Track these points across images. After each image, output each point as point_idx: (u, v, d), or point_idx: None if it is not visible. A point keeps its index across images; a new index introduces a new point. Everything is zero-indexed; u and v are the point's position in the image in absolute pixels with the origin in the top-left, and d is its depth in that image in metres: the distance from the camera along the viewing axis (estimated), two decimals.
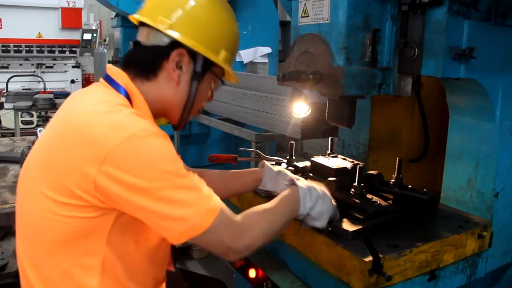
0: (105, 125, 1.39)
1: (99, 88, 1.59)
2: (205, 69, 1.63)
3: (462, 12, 1.59)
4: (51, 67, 9.34)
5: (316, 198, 1.68)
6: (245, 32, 5.76)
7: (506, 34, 1.79)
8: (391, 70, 1.73)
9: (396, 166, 1.97)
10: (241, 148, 2.04)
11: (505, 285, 2.05)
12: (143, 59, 1.60)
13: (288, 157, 2.22)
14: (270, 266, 1.96)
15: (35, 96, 6.69)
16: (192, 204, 1.40)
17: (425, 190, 1.91)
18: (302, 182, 1.76)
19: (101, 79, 1.61)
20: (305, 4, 1.79)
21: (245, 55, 5.69)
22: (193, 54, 1.59)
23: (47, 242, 1.44)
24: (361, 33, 1.65)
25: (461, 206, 2.03)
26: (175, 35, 1.55)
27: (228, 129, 4.10)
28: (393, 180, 1.98)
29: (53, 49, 9.10)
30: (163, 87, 1.61)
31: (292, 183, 1.76)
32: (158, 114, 1.67)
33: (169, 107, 1.66)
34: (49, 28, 9.00)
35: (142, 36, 1.62)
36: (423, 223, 1.87)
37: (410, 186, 1.95)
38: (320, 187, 1.75)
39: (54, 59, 9.34)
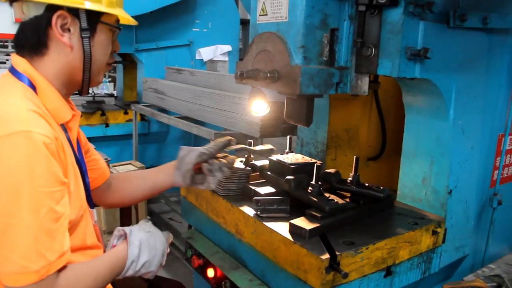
0: None
1: (1, 80, 1.53)
2: (93, 22, 1.56)
3: (417, 13, 1.63)
4: (4, 62, 9.05)
5: (142, 263, 1.62)
6: (205, 30, 5.74)
7: (460, 36, 1.84)
8: (349, 69, 1.75)
9: (353, 164, 2.00)
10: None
11: (458, 279, 2.11)
12: (27, 36, 1.53)
13: (246, 156, 2.22)
14: (228, 265, 1.96)
15: None
16: (17, 252, 1.30)
17: (381, 188, 1.95)
18: (134, 236, 1.65)
19: (7, 70, 1.55)
20: (263, 2, 1.79)
21: (205, 53, 5.67)
22: (74, 11, 1.52)
23: None
24: (319, 32, 1.67)
25: (417, 203, 2.08)
26: None
27: (187, 127, 4.07)
28: (350, 178, 2.01)
29: (5, 44, 8.83)
30: (60, 57, 1.54)
31: (124, 237, 1.68)
32: (68, 86, 1.61)
33: (73, 74, 1.59)
34: (1, 22, 8.74)
35: (18, 13, 1.54)
36: (380, 220, 1.91)
37: (367, 184, 1.99)
38: (152, 236, 1.68)
39: (7, 54, 9.06)
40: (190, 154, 1.90)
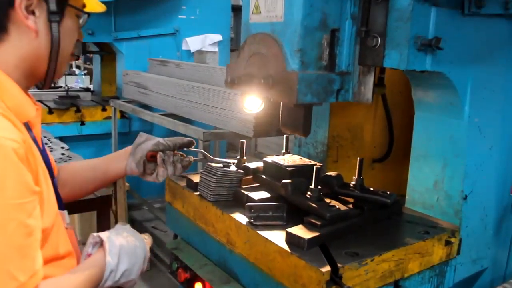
0: None
1: None
2: (62, 5, 1.53)
3: None
4: None
5: (122, 272, 1.63)
6: (192, 17, 5.73)
7: (477, 23, 1.83)
8: (351, 74, 1.74)
9: (357, 166, 2.00)
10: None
11: None
12: None
13: (238, 157, 2.22)
14: (218, 279, 1.95)
15: None
16: None
17: (388, 192, 1.94)
18: (112, 242, 1.65)
19: None
20: None
21: (193, 43, 5.66)
22: None
23: None
24: (318, 34, 1.65)
25: (428, 210, 2.08)
26: None
27: (173, 125, 4.06)
28: (353, 182, 2.00)
29: None
30: (22, 43, 1.50)
31: (100, 244, 1.67)
32: (29, 77, 1.58)
33: (36, 64, 1.56)
34: None
35: None
36: (386, 229, 1.91)
37: (372, 189, 1.98)
38: (132, 242, 1.70)
39: None
40: (147, 142, 2.03)
